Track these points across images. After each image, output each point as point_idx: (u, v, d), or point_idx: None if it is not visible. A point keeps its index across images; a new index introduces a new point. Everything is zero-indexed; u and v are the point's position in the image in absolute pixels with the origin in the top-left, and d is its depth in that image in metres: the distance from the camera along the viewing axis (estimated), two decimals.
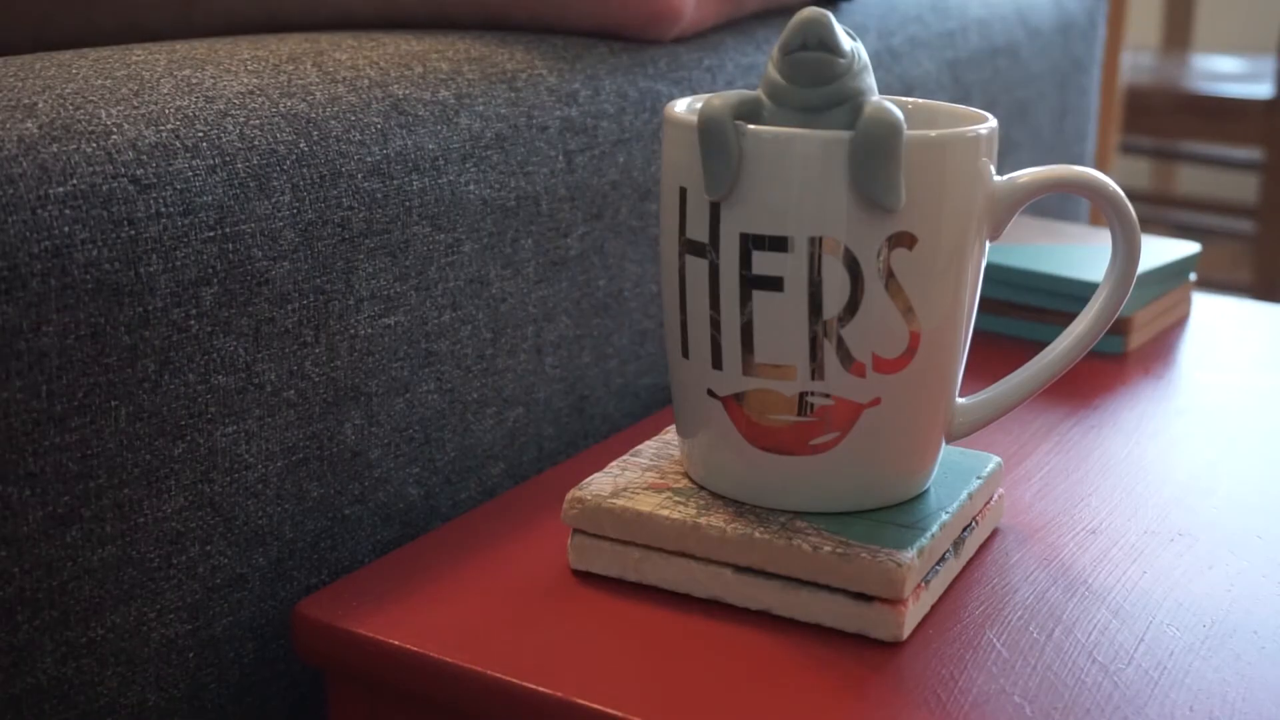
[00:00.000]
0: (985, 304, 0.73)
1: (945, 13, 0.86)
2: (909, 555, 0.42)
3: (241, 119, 0.45)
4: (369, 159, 0.48)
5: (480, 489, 0.55)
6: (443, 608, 0.44)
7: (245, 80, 0.47)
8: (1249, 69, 2.08)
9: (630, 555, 0.45)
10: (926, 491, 0.47)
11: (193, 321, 0.43)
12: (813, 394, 0.43)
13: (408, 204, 0.49)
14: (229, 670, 0.46)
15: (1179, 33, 2.29)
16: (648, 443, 0.50)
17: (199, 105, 0.44)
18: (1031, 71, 0.96)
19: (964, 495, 0.47)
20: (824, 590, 0.43)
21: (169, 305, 0.42)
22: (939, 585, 0.45)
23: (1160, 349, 0.71)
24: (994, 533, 0.50)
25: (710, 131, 0.42)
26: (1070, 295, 0.70)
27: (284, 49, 0.51)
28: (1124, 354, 0.70)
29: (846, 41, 0.43)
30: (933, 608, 0.44)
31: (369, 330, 0.49)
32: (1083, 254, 0.74)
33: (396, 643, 0.42)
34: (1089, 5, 1.07)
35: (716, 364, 0.44)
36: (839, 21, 0.73)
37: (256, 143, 0.45)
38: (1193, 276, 0.77)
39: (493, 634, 0.43)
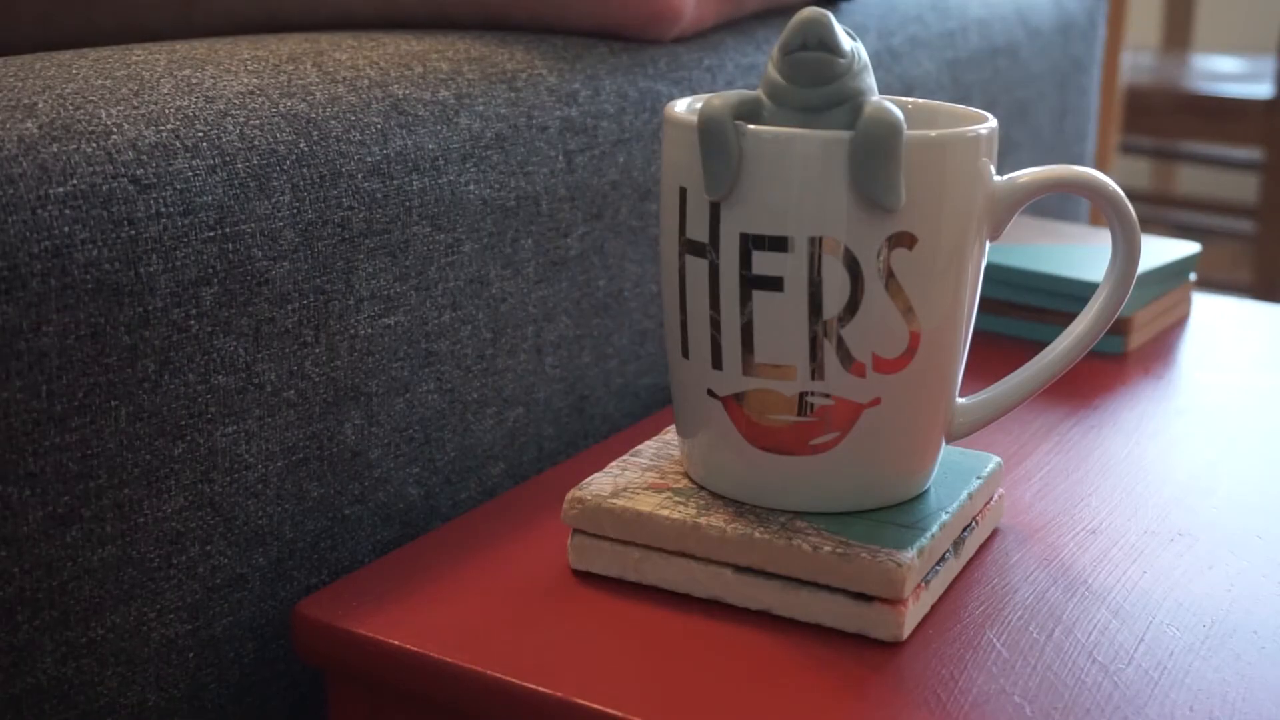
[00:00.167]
0: (985, 304, 0.73)
1: (945, 13, 0.86)
2: (909, 555, 0.42)
3: (241, 119, 0.45)
4: (369, 159, 0.48)
5: (480, 489, 0.55)
6: (443, 608, 0.44)
7: (245, 80, 0.47)
8: (1249, 69, 2.08)
9: (630, 555, 0.45)
10: (926, 491, 0.47)
11: (193, 321, 0.43)
12: (813, 394, 0.43)
13: (408, 204, 0.49)
14: (229, 670, 0.46)
15: (1179, 33, 2.29)
16: (648, 443, 0.50)
17: (199, 105, 0.44)
18: (1031, 71, 0.96)
19: (964, 495, 0.47)
20: (824, 590, 0.43)
21: (169, 305, 0.42)
22: (939, 585, 0.45)
23: (1160, 349, 0.71)
24: (994, 533, 0.50)
25: (710, 131, 0.42)
26: (1070, 295, 0.70)
27: (284, 49, 0.51)
28: (1124, 354, 0.70)
29: (846, 41, 0.43)
30: (933, 608, 0.44)
31: (369, 330, 0.49)
32: (1083, 254, 0.74)
33: (396, 643, 0.42)
34: (1089, 5, 1.07)
35: (716, 364, 0.44)
36: (839, 21, 0.73)
37: (256, 143, 0.45)
38: (1193, 276, 0.77)
39: (493, 634, 0.43)
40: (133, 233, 0.41)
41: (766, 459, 0.44)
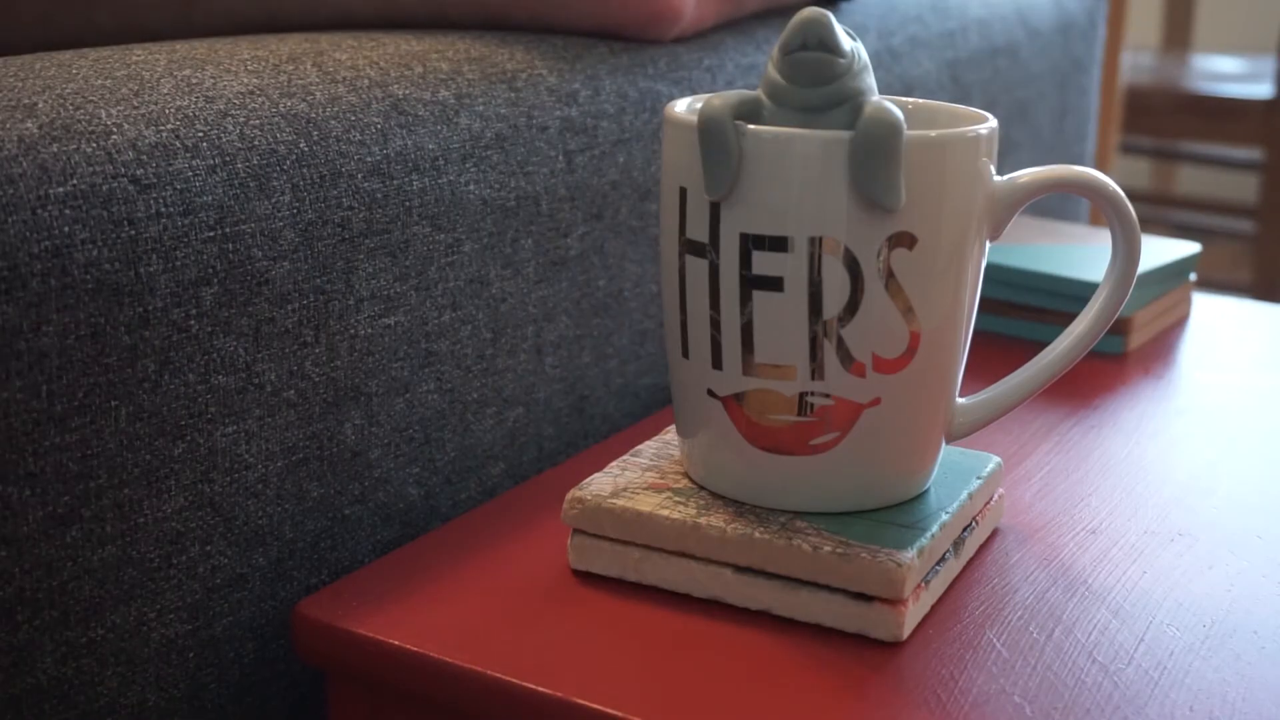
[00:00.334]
0: (985, 304, 0.73)
1: (945, 13, 0.86)
2: (909, 555, 0.42)
3: (241, 119, 0.45)
4: (369, 159, 0.48)
5: (480, 489, 0.55)
6: (443, 608, 0.44)
7: (245, 80, 0.47)
8: (1249, 69, 2.08)
9: (630, 555, 0.45)
10: (926, 491, 0.47)
11: (193, 321, 0.43)
12: (813, 394, 0.43)
13: (408, 204, 0.49)
14: (229, 670, 0.46)
15: (1179, 33, 2.29)
16: (648, 443, 0.50)
17: (199, 105, 0.44)
18: (1031, 71, 0.96)
19: (964, 495, 0.47)
20: (824, 590, 0.43)
21: (169, 305, 0.42)
22: (939, 585, 0.45)
23: (1160, 349, 0.71)
24: (994, 533, 0.50)
25: (710, 131, 0.42)
26: (1070, 295, 0.70)
27: (284, 49, 0.51)
28: (1124, 354, 0.70)
29: (846, 41, 0.43)
30: (933, 608, 0.44)
31: (369, 330, 0.49)
32: (1083, 254, 0.74)
33: (396, 643, 0.42)
34: (1089, 5, 1.07)
35: (716, 364, 0.44)
36: (839, 21, 0.73)
37: (256, 143, 0.45)
38: (1193, 276, 0.77)
39: (493, 634, 0.43)
40: (133, 233, 0.41)
41: (766, 459, 0.44)
